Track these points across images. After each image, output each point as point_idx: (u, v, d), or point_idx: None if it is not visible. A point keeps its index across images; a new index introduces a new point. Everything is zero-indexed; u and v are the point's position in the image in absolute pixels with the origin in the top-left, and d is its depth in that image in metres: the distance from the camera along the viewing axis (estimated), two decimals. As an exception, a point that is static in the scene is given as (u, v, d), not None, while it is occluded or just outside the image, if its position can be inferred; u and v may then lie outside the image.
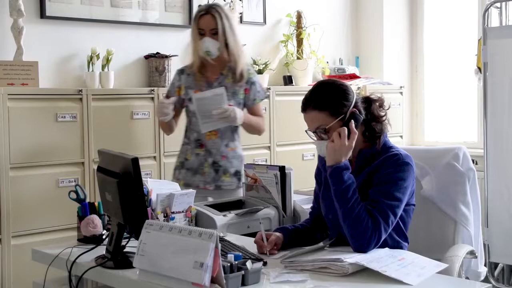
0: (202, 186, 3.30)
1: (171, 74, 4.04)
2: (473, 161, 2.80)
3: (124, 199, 2.12)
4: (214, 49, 3.29)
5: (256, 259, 2.10)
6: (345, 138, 2.21)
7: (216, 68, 3.36)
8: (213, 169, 3.31)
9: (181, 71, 3.43)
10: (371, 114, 2.32)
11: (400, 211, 2.23)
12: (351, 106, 2.26)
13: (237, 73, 3.31)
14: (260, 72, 4.53)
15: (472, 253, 2.59)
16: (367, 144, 2.33)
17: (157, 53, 4.06)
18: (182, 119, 3.45)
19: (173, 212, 2.66)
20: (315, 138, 2.30)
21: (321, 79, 4.78)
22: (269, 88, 4.37)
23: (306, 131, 2.31)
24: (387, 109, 2.38)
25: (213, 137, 3.30)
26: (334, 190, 2.21)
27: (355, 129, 2.23)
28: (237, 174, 3.34)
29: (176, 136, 3.86)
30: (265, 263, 2.11)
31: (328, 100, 2.25)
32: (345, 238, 2.21)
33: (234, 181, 3.33)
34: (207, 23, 3.30)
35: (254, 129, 3.40)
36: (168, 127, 3.40)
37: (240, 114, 3.24)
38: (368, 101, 2.35)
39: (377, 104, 2.35)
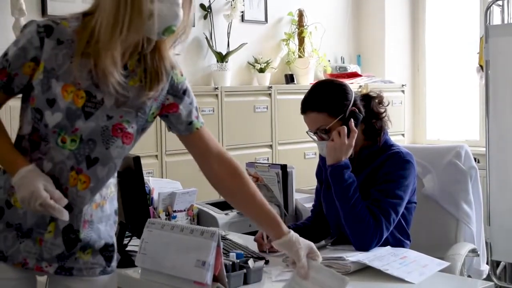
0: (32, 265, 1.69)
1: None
2: (475, 159, 2.80)
3: (126, 198, 2.12)
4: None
5: (258, 258, 2.10)
6: (345, 137, 2.20)
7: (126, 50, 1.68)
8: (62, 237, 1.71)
9: (48, 28, 1.67)
10: (370, 111, 2.32)
11: (401, 209, 2.23)
12: (350, 105, 2.26)
13: (161, 69, 1.71)
14: (261, 70, 4.53)
15: (474, 251, 2.59)
16: (368, 142, 2.33)
17: (159, 51, 4.05)
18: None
19: (175, 211, 2.67)
20: (316, 139, 2.30)
21: (323, 77, 4.79)
22: (271, 87, 4.37)
23: (307, 132, 2.31)
24: (387, 106, 2.38)
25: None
26: (335, 189, 2.21)
27: (354, 128, 2.23)
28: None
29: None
30: (267, 262, 2.11)
31: (327, 100, 2.25)
32: (347, 236, 2.21)
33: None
34: None
35: None
36: None
37: None
38: (367, 99, 2.35)
39: (377, 101, 2.36)
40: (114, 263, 1.79)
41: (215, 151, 1.82)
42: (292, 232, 1.76)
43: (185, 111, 1.77)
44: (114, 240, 1.80)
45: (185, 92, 1.76)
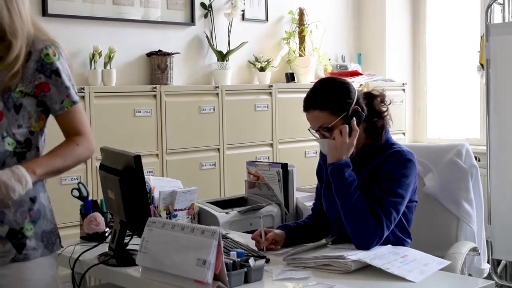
0: None
1: (173, 72, 4.04)
2: (475, 158, 2.80)
3: (127, 197, 2.12)
4: None
5: (258, 256, 2.09)
6: (346, 136, 2.20)
7: None
8: None
9: None
10: (372, 110, 2.32)
11: (402, 208, 2.23)
12: (353, 103, 2.25)
13: (14, 51, 1.84)
14: (262, 69, 4.53)
15: (475, 250, 2.59)
16: (370, 141, 2.32)
17: (159, 50, 4.06)
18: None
19: (175, 210, 2.67)
20: (318, 137, 2.30)
21: (323, 76, 4.79)
22: (271, 86, 4.37)
23: (309, 129, 2.31)
24: (389, 104, 2.37)
25: None
26: (335, 187, 2.21)
27: (356, 127, 2.22)
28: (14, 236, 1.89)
29: (179, 133, 3.87)
30: (267, 260, 2.11)
31: (330, 98, 2.24)
32: (347, 235, 2.21)
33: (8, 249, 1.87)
34: None
35: (67, 170, 1.95)
36: None
37: (20, 174, 1.80)
38: (369, 97, 2.34)
39: (379, 99, 2.35)
40: (28, 251, 1.88)
41: (78, 133, 1.93)
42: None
43: (57, 90, 1.89)
44: (25, 227, 1.88)
45: (55, 71, 1.89)
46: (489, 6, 4.20)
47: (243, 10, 4.49)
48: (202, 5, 4.33)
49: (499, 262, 4.18)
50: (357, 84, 4.68)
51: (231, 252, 1.94)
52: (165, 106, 3.81)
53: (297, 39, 4.84)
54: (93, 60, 3.77)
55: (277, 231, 2.34)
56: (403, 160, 2.24)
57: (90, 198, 2.64)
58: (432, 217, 2.71)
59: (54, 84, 1.88)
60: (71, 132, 1.93)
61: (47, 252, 1.93)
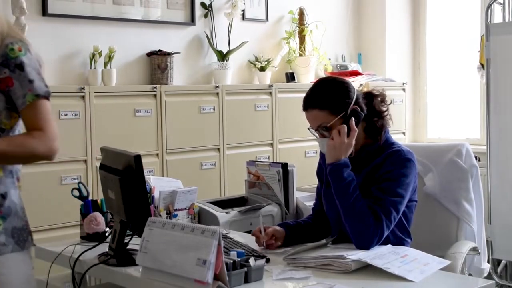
0: None
1: (173, 72, 4.05)
2: (476, 157, 2.80)
3: (127, 197, 2.12)
4: None
5: (259, 256, 2.10)
6: (345, 136, 2.20)
7: None
8: None
9: None
10: (372, 109, 2.32)
11: (402, 208, 2.23)
12: (352, 103, 2.25)
13: None
14: (262, 69, 4.53)
15: (475, 249, 2.59)
16: (369, 140, 2.32)
17: (159, 50, 4.06)
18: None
19: (175, 209, 2.67)
20: (318, 136, 2.30)
21: (324, 76, 4.78)
22: (272, 85, 4.37)
23: (308, 128, 2.31)
24: (389, 104, 2.37)
25: None
26: (334, 187, 2.21)
27: (354, 127, 2.22)
28: None
29: (179, 134, 3.87)
30: (268, 260, 2.11)
31: (329, 98, 2.24)
32: (347, 235, 2.21)
33: None
34: None
35: (16, 159, 1.91)
36: None
37: None
38: (369, 97, 2.34)
39: (379, 99, 2.35)
40: None
41: (39, 128, 1.87)
42: None
43: (20, 84, 1.86)
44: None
45: (18, 65, 1.86)
46: (489, 6, 4.20)
47: (243, 10, 4.49)
48: (202, 5, 4.33)
49: (499, 261, 4.18)
50: (357, 84, 4.68)
51: (231, 252, 1.94)
52: (165, 106, 3.81)
53: (297, 39, 4.84)
54: (93, 60, 3.77)
55: (277, 227, 2.34)
56: (403, 160, 2.24)
57: (90, 198, 2.64)
58: (432, 217, 2.71)
59: (17, 79, 1.85)
60: (32, 127, 1.87)
61: (18, 248, 1.91)
